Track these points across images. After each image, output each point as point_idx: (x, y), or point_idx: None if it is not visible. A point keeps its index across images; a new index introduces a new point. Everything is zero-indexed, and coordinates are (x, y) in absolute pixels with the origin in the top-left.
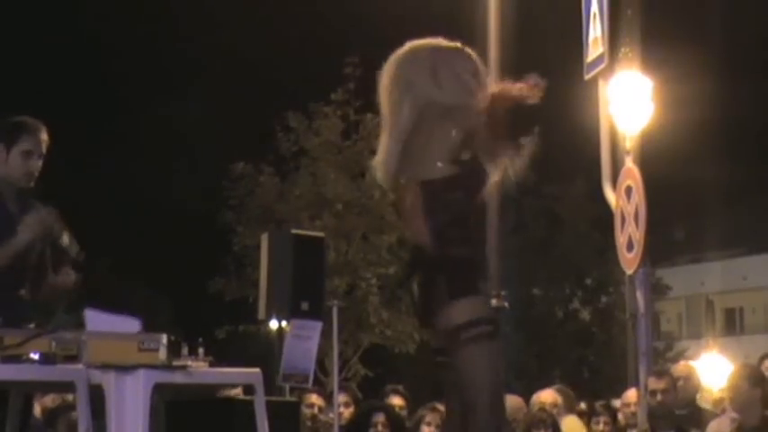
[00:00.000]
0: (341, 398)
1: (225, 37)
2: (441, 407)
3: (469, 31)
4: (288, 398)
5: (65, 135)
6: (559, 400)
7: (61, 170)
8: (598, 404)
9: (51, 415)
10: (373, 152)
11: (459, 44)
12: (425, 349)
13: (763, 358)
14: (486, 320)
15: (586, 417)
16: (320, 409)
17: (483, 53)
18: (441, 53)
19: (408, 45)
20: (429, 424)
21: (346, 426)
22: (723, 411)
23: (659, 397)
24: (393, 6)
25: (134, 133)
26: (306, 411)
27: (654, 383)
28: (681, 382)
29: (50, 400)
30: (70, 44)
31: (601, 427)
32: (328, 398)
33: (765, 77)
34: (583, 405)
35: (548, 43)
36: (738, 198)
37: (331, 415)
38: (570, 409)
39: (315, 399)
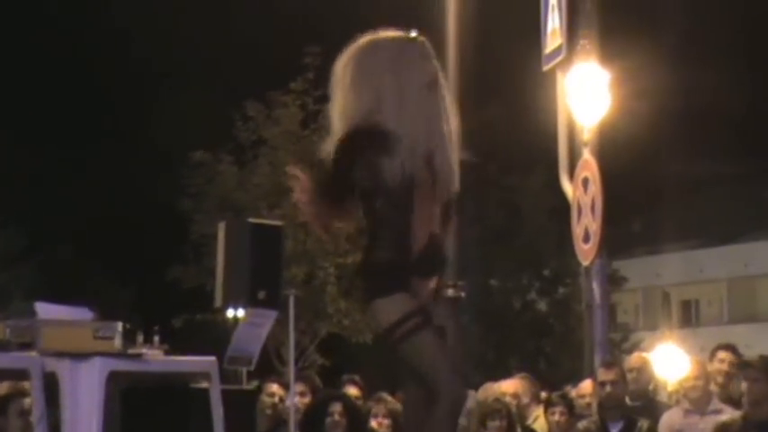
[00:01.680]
0: (299, 387)
1: (185, 26)
2: (387, 397)
3: (428, 22)
4: (245, 386)
5: (25, 126)
6: (518, 388)
7: (21, 160)
8: (554, 394)
9: (2, 402)
10: None
11: (420, 42)
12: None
13: (716, 350)
14: (411, 314)
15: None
16: (281, 398)
17: (442, 45)
18: (398, 65)
19: (369, 40)
20: (376, 415)
21: (304, 414)
22: (677, 403)
23: (608, 388)
24: None
25: (94, 123)
26: (266, 400)
27: (603, 374)
28: (634, 374)
29: (2, 387)
30: (31, 29)
31: (557, 417)
32: (289, 387)
33: (723, 69)
34: (543, 394)
35: (506, 35)
36: (695, 190)
37: (289, 403)
38: (536, 397)
39: (275, 388)
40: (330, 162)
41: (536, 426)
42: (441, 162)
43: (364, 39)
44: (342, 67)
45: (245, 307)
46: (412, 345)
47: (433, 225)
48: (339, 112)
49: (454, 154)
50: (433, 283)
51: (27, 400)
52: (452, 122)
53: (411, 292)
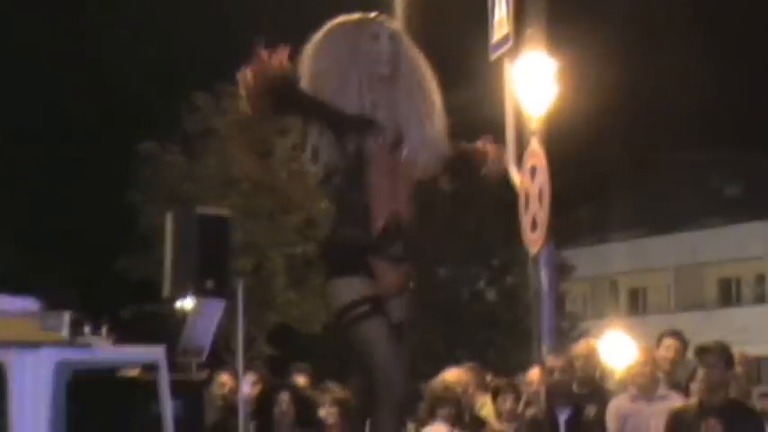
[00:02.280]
0: (251, 377)
1: (132, 16)
2: (335, 387)
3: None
4: (193, 376)
5: None
6: (465, 378)
7: None
8: (503, 382)
9: None
10: (282, 132)
11: (377, 21)
12: (330, 329)
13: (662, 336)
14: (361, 301)
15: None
16: (231, 389)
17: None
18: (353, 52)
19: (329, 26)
20: (324, 404)
21: (253, 404)
22: (625, 389)
23: (557, 375)
24: None
25: (40, 111)
26: (217, 390)
27: (552, 361)
28: (581, 361)
29: None
30: None
31: (508, 404)
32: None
33: (671, 59)
34: (489, 380)
35: (453, 24)
36: (642, 180)
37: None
38: (482, 386)
39: (226, 378)
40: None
41: (483, 413)
42: (409, 139)
43: (328, 24)
44: (304, 54)
45: (193, 296)
46: (358, 332)
47: (397, 204)
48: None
49: (431, 128)
50: (400, 270)
51: None
52: (428, 96)
53: (371, 276)
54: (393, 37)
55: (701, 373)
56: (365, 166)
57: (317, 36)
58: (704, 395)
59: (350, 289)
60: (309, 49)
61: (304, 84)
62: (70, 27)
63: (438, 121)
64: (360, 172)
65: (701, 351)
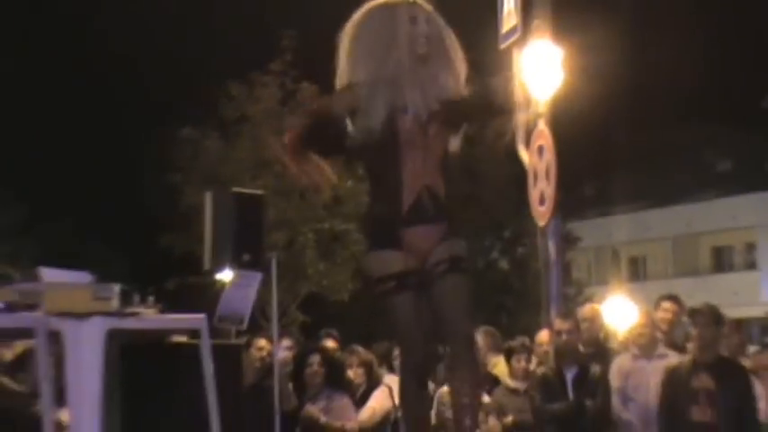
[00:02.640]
0: (284, 341)
1: (171, 12)
2: (360, 349)
3: None
4: (232, 341)
5: (28, 108)
6: (481, 340)
7: (26, 140)
8: (516, 343)
9: (20, 359)
10: None
11: (410, 3)
12: (357, 297)
13: (660, 300)
14: (389, 277)
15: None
16: (268, 352)
17: None
18: (387, 32)
19: (366, 8)
20: (351, 365)
21: (287, 365)
22: (627, 349)
23: (564, 336)
24: None
25: (93, 103)
26: (255, 354)
27: (559, 324)
28: (587, 324)
29: (18, 345)
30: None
31: (522, 363)
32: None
33: (671, 45)
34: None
35: (466, 15)
36: (642, 158)
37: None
38: (497, 348)
39: (263, 343)
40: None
41: (495, 371)
42: (429, 117)
43: (367, 6)
44: (344, 35)
45: (231, 269)
46: (384, 304)
47: (428, 179)
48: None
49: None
50: (434, 228)
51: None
52: (456, 75)
53: (400, 249)
54: (429, 20)
55: (693, 332)
56: (396, 143)
57: (357, 17)
58: (696, 353)
59: (379, 264)
60: (350, 30)
61: (342, 66)
62: (118, 23)
63: (459, 91)
64: (391, 148)
65: (694, 313)
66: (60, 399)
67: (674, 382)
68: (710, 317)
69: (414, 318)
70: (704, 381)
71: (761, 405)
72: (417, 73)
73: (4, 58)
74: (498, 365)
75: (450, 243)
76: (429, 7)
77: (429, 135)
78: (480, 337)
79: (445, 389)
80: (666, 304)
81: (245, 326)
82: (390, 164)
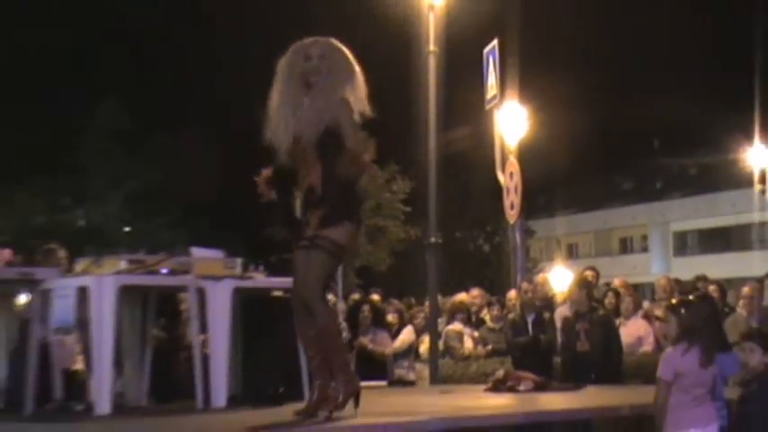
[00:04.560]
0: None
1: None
2: (396, 301)
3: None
4: None
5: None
6: (475, 296)
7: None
8: (494, 298)
9: (176, 306)
10: None
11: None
12: (393, 267)
13: (585, 270)
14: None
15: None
16: (334, 304)
17: (426, 99)
18: (286, 71)
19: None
20: (389, 312)
21: (347, 312)
22: (564, 303)
23: (527, 294)
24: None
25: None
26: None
27: (524, 286)
28: (540, 286)
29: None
30: None
31: (495, 312)
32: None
33: (604, 106)
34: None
35: (465, 85)
36: (576, 181)
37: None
38: (489, 303)
39: (331, 297)
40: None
41: (485, 316)
42: (306, 141)
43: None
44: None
45: None
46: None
47: (310, 179)
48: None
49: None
50: (313, 219)
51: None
52: (329, 103)
53: (304, 227)
54: (322, 56)
55: (574, 293)
56: (295, 161)
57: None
58: (577, 306)
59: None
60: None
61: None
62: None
63: (336, 115)
64: (293, 165)
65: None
66: (204, 329)
67: (566, 327)
68: (582, 283)
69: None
70: (583, 325)
71: (649, 340)
72: (305, 102)
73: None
74: (486, 314)
75: (319, 225)
76: (331, 45)
77: (308, 154)
78: (476, 294)
79: (451, 327)
80: (589, 272)
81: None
82: (298, 174)
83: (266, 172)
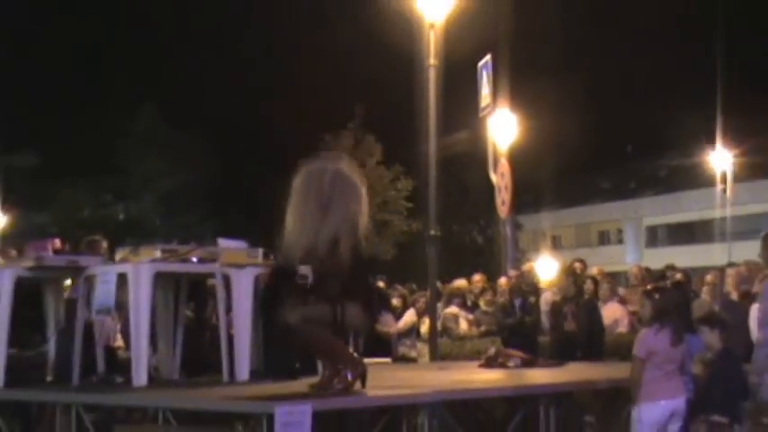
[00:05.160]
0: None
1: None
2: (399, 286)
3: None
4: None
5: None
6: (476, 280)
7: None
8: (488, 284)
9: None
10: (369, 154)
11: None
12: (396, 257)
13: (573, 262)
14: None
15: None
16: None
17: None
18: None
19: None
20: (393, 297)
21: None
22: (550, 289)
23: (515, 281)
24: None
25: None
26: None
27: (513, 273)
28: (527, 274)
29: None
30: None
31: (488, 296)
32: None
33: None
34: None
35: (463, 95)
36: (561, 181)
37: None
38: (488, 287)
39: None
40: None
41: (480, 301)
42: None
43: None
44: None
45: None
46: None
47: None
48: None
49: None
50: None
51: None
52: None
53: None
54: (335, 176)
55: (562, 280)
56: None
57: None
58: (564, 292)
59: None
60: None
61: None
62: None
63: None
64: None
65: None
66: (229, 311)
67: (554, 309)
68: (569, 271)
69: None
70: (570, 307)
71: (624, 322)
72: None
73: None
74: (482, 300)
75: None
76: (340, 164)
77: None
78: (477, 278)
79: (448, 310)
80: (577, 264)
81: None
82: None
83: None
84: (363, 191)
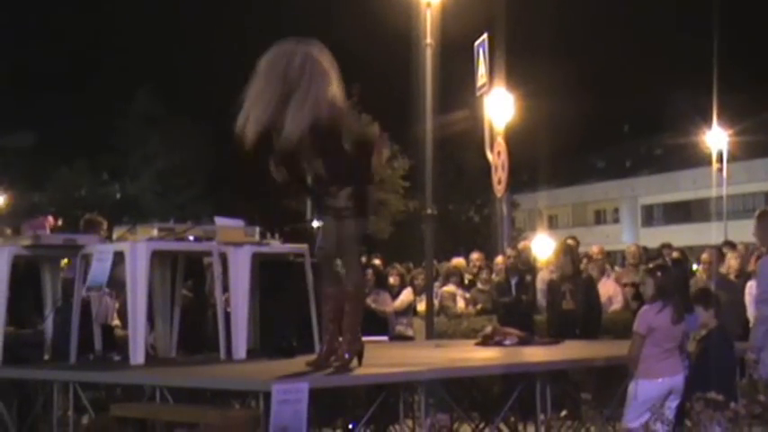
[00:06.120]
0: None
1: None
2: (397, 265)
3: (413, 78)
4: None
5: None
6: (474, 259)
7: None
8: (484, 263)
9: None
10: None
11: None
12: (393, 236)
13: (566, 239)
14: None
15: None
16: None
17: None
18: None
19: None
20: (391, 275)
21: None
22: (546, 268)
23: (511, 260)
24: None
25: None
26: (336, 268)
27: (509, 252)
28: (523, 252)
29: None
30: None
31: (484, 275)
32: None
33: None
34: None
35: (461, 75)
36: (556, 161)
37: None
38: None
39: (340, 262)
40: None
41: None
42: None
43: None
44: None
45: (320, 220)
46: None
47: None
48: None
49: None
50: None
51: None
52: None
53: None
54: (305, 57)
55: (560, 258)
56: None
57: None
58: (562, 270)
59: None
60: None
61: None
62: None
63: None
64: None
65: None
66: (226, 289)
67: (552, 287)
68: (566, 250)
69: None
70: (568, 286)
71: (618, 299)
72: (291, 104)
73: None
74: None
75: (347, 199)
76: (310, 54)
77: (305, 149)
78: (475, 257)
79: (445, 288)
80: (570, 240)
81: None
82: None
83: (273, 158)
84: (336, 75)
